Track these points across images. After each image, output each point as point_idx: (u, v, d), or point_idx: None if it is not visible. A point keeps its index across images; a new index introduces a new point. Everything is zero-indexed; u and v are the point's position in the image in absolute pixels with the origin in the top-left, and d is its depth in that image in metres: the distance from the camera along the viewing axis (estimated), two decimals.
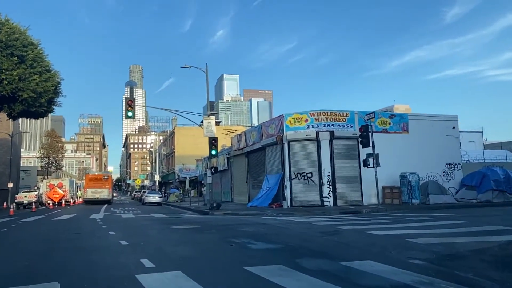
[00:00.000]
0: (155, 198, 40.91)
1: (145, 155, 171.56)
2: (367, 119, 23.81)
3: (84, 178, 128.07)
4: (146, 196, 41.50)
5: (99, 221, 17.27)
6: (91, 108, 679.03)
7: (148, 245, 8.90)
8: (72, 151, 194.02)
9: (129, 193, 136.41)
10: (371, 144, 22.40)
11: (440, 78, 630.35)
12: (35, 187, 49.85)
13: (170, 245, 9.04)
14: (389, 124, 26.91)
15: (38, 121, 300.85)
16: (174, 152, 72.36)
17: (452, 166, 28.11)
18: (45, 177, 66.92)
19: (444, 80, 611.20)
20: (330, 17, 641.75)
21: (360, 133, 23.09)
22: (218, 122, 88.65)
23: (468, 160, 32.81)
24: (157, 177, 62.27)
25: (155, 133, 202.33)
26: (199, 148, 69.53)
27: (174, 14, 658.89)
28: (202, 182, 52.74)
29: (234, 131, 70.74)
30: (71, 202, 44.47)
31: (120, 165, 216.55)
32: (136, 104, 26.32)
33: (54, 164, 78.08)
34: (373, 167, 22.47)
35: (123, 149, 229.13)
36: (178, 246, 8.88)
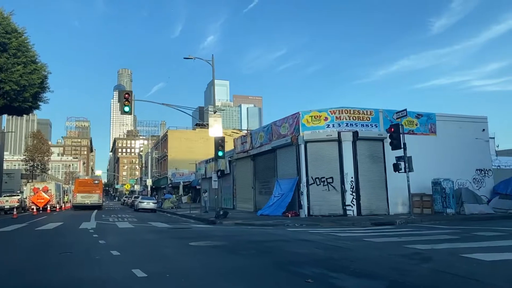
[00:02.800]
0: (149, 204, 37.71)
1: (133, 160, 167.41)
2: (397, 118, 21.14)
3: (70, 182, 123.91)
4: (140, 202, 38.26)
5: (92, 233, 14.22)
6: (78, 112, 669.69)
7: (178, 280, 5.94)
8: (58, 154, 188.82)
9: (117, 198, 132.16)
10: (402, 146, 19.80)
11: (426, 88, 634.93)
12: (18, 191, 46.13)
13: (211, 280, 6.06)
14: (416, 124, 24.27)
15: (24, 123, 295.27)
16: (167, 155, 69.06)
17: (483, 172, 25.53)
18: (29, 180, 63.08)
19: (431, 89, 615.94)
20: (319, 26, 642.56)
21: (389, 133, 20.41)
22: None
23: (498, 166, 30.27)
24: (149, 182, 58.85)
25: (144, 137, 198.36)
26: (193, 151, 66.63)
27: (164, 20, 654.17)
28: (198, 187, 50.04)
29: (229, 135, 68.03)
30: (57, 207, 40.96)
31: (107, 170, 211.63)
32: (129, 101, 23.22)
33: (39, 167, 74.07)
34: (405, 171, 19.82)
35: (111, 153, 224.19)
36: (226, 282, 5.90)
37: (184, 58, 24.99)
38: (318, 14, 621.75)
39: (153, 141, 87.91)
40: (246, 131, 35.79)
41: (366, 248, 9.10)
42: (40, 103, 33.29)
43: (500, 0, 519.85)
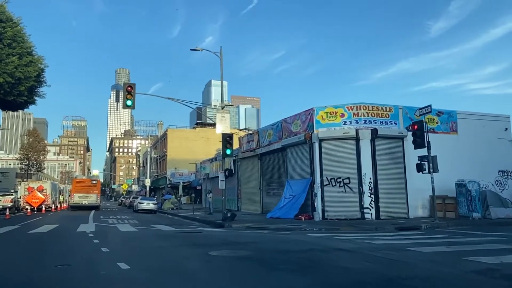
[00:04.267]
0: (149, 205, 36.05)
1: (131, 159, 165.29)
2: (420, 115, 19.64)
3: (66, 181, 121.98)
4: (139, 203, 36.56)
5: (92, 237, 12.64)
6: (75, 111, 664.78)
7: None
8: (54, 153, 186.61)
9: (113, 198, 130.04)
10: (426, 145, 18.36)
11: (423, 90, 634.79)
12: (12, 191, 44.32)
13: None
14: (437, 122, 22.81)
15: (20, 122, 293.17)
16: (166, 155, 67.38)
17: (506, 173, 24.10)
18: (24, 179, 61.28)
19: (428, 92, 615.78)
20: (318, 28, 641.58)
21: (412, 131, 18.94)
22: (214, 124, 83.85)
23: None
24: (147, 182, 57.12)
25: (141, 137, 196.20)
26: (193, 151, 64.94)
27: (163, 20, 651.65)
28: (198, 187, 48.40)
29: (235, 134, 66.21)
30: (53, 208, 39.22)
31: (104, 169, 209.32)
32: (132, 95, 21.62)
33: (34, 166, 72.16)
34: (429, 172, 18.38)
35: (108, 153, 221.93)
36: None
37: (191, 49, 23.47)
38: (317, 16, 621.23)
39: (151, 140, 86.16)
40: (252, 130, 34.25)
41: (423, 261, 7.58)
42: (36, 98, 31.61)
43: (497, 3, 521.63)
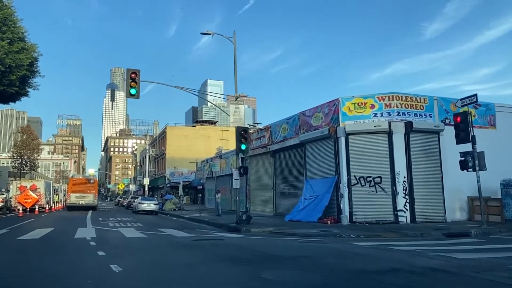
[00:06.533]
0: (150, 205, 33.64)
1: (126, 159, 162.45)
2: (463, 105, 17.37)
3: (61, 181, 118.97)
4: (139, 203, 34.12)
5: (94, 246, 10.33)
6: (70, 110, 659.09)
7: None
8: (49, 152, 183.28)
9: (109, 198, 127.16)
10: (471, 139, 16.18)
11: (418, 92, 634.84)
12: (3, 190, 41.69)
13: None
14: (474, 116, 20.47)
15: (14, 121, 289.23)
16: (165, 153, 64.91)
17: None
18: (17, 178, 58.57)
19: (422, 94, 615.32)
20: (314, 29, 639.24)
21: (455, 123, 16.74)
22: (214, 122, 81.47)
23: None
24: (146, 181, 54.62)
25: (137, 136, 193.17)
26: (193, 150, 62.49)
27: (159, 19, 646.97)
28: (199, 187, 46.03)
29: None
30: (47, 208, 36.74)
31: (99, 169, 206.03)
32: (137, 82, 19.28)
33: (28, 164, 69.34)
34: (474, 170, 16.21)
35: (103, 152, 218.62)
36: None
37: (202, 33, 21.25)
38: (313, 17, 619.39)
39: (150, 139, 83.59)
40: (263, 126, 31.92)
41: None
42: (29, 90, 29.21)
43: (492, 6, 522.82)
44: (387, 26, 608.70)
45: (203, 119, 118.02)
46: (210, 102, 30.84)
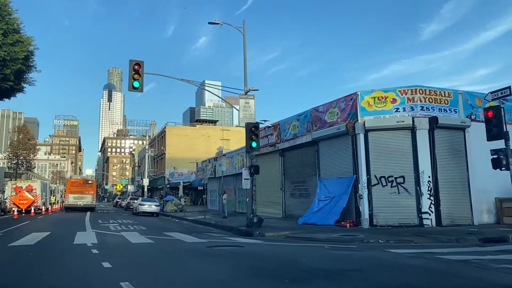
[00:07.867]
0: (151, 207, 32.26)
1: (124, 159, 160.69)
2: (493, 99, 16.13)
3: (58, 182, 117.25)
4: (140, 205, 32.70)
5: (97, 255, 8.98)
6: (67, 111, 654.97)
7: None
8: (45, 153, 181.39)
9: (106, 199, 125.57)
10: (504, 136, 14.91)
11: None
12: None
13: None
14: None
15: (10, 121, 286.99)
16: (165, 153, 63.46)
17: None
18: (13, 179, 56.99)
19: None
20: (312, 30, 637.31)
21: (486, 118, 15.43)
22: (214, 122, 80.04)
23: None
24: (145, 182, 53.21)
25: (134, 136, 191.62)
26: (193, 150, 61.06)
27: (156, 20, 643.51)
28: (199, 188, 44.66)
29: (239, 131, 62.49)
30: (43, 209, 35.28)
31: (96, 170, 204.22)
32: (140, 75, 17.93)
33: (24, 164, 67.76)
34: (508, 169, 14.91)
35: (100, 153, 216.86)
36: None
37: (209, 23, 19.78)
38: (311, 18, 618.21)
39: (148, 138, 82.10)
40: (271, 123, 30.63)
41: None
42: (24, 85, 27.76)
43: (489, 7, 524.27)
44: (384, 27, 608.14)
45: (200, 121, 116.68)
46: (217, 96, 29.45)
